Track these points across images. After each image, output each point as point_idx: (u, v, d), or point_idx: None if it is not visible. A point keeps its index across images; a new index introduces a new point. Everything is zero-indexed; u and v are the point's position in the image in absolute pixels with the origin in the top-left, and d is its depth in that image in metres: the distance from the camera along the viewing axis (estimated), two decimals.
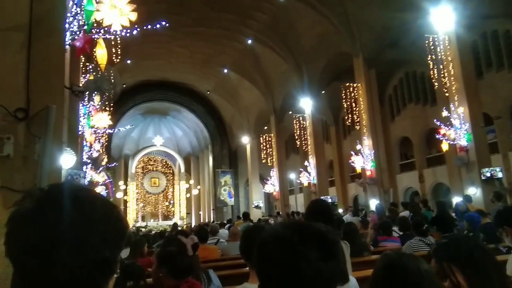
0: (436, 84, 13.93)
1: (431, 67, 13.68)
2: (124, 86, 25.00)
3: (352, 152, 18.32)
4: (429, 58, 13.59)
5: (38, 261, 0.69)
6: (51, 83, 4.42)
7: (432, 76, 14.02)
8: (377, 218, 9.12)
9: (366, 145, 17.68)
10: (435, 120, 14.48)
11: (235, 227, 8.02)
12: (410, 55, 18.68)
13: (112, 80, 5.89)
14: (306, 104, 21.76)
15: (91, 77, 5.96)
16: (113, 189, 25.65)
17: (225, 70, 25.68)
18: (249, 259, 2.03)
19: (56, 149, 4.42)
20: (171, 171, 38.15)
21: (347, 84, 18.69)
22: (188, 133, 36.94)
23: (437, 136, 13.89)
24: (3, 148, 4.13)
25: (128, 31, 5.97)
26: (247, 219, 11.00)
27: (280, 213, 19.34)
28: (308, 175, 21.32)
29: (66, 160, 4.85)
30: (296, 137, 22.33)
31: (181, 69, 26.31)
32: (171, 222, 34.57)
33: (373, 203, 16.02)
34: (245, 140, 28.74)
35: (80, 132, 8.52)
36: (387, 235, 6.36)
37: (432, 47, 13.61)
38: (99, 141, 12.63)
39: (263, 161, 26.04)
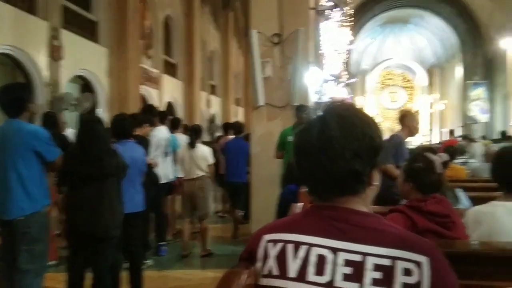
0: None
1: None
2: None
3: None
4: None
5: (307, 162, 0.89)
6: (298, 6, 4.77)
7: None
8: None
9: None
10: None
11: (490, 147, 7.11)
12: None
13: None
14: None
15: None
16: None
17: None
18: (499, 182, 1.88)
19: (305, 69, 4.90)
20: (411, 85, 36.10)
21: None
22: (432, 42, 33.18)
23: None
24: (264, 70, 4.90)
25: None
26: (504, 139, 9.45)
27: None
28: None
29: (313, 79, 5.31)
30: None
31: None
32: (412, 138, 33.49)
33: None
34: (507, 43, 23.45)
35: (321, 50, 9.04)
36: None
37: None
38: (339, 58, 13.08)
39: None
